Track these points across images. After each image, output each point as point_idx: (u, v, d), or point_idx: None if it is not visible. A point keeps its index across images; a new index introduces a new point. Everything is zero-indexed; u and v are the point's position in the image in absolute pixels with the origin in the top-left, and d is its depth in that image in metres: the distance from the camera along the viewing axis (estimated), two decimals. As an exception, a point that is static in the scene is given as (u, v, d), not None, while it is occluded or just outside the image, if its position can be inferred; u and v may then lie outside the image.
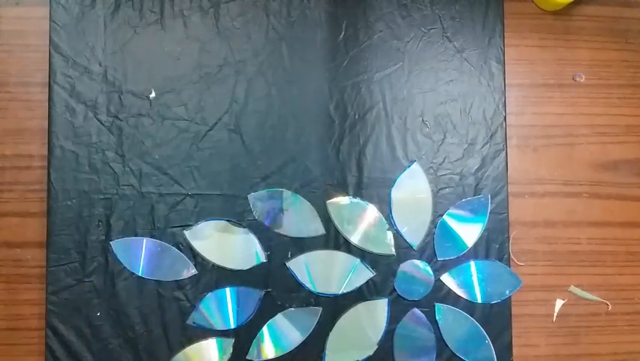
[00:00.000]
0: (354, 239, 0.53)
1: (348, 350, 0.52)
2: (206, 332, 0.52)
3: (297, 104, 0.54)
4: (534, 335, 0.55)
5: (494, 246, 0.54)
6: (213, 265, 0.52)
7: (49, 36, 0.53)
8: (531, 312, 0.55)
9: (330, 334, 0.52)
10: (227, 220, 0.52)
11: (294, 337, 0.52)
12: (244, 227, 0.52)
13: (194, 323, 0.52)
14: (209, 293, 0.52)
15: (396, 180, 0.54)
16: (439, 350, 0.53)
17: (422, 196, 0.54)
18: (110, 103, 0.53)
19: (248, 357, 0.52)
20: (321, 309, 0.53)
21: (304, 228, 0.53)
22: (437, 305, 0.53)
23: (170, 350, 0.51)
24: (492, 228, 0.54)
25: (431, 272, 0.53)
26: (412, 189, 0.54)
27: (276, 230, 0.53)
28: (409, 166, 0.54)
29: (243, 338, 0.52)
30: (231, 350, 0.52)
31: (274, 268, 0.53)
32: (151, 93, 0.53)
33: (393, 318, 0.53)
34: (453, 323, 0.53)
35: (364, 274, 0.53)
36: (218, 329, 0.52)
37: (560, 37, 0.57)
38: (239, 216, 0.53)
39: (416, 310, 0.53)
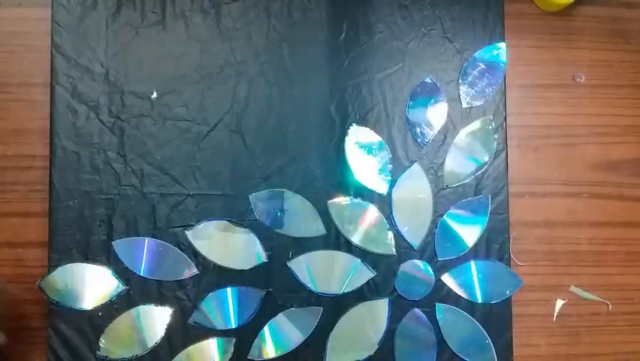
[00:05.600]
0: (355, 239, 0.53)
1: (348, 350, 0.53)
2: (207, 332, 0.52)
3: (298, 104, 0.54)
4: (534, 334, 0.55)
5: (494, 246, 0.54)
6: (214, 264, 0.52)
7: (51, 37, 0.53)
8: (531, 312, 0.55)
9: (331, 334, 0.52)
10: (229, 220, 0.53)
11: (295, 337, 0.52)
12: (245, 227, 0.53)
13: (195, 322, 0.52)
14: (211, 293, 0.52)
15: (396, 180, 0.54)
16: (439, 349, 0.53)
17: (422, 196, 0.54)
18: (111, 103, 0.53)
19: (249, 357, 0.52)
20: (322, 309, 0.53)
21: (305, 228, 0.53)
22: (438, 305, 0.53)
23: (171, 349, 0.51)
24: (492, 228, 0.54)
25: (432, 272, 0.54)
26: (412, 190, 0.54)
27: (277, 230, 0.53)
28: (409, 166, 0.54)
29: (244, 338, 0.52)
30: (232, 350, 0.52)
31: (275, 268, 0.53)
32: (152, 94, 0.53)
33: (394, 318, 0.53)
34: (453, 323, 0.53)
35: (365, 274, 0.53)
36: (219, 328, 0.52)
37: (560, 38, 0.57)
38: (240, 216, 0.53)
39: (417, 310, 0.53)
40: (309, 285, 0.53)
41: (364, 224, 0.54)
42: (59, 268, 0.51)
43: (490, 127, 0.55)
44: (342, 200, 0.54)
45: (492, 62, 0.55)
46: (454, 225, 0.54)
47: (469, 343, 0.53)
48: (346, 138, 0.54)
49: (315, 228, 0.53)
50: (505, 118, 0.55)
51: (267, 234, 0.53)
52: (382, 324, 0.53)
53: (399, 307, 0.53)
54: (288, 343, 0.52)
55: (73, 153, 0.52)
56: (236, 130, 0.53)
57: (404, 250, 0.54)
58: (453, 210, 0.54)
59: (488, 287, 0.54)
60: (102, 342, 0.51)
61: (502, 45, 0.56)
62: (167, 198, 0.52)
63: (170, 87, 0.53)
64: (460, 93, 0.55)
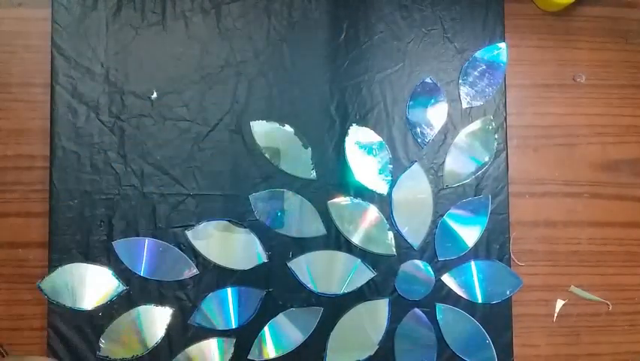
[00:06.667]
0: (355, 239, 0.53)
1: (349, 350, 0.53)
2: (207, 332, 0.52)
3: (298, 104, 0.54)
4: (534, 335, 0.55)
5: (495, 246, 0.54)
6: (215, 265, 0.52)
7: (51, 37, 0.53)
8: (532, 312, 0.55)
9: (331, 334, 0.52)
10: (229, 220, 0.53)
11: (295, 337, 0.52)
12: (245, 227, 0.53)
13: (195, 322, 0.52)
14: (211, 293, 0.52)
15: (397, 180, 0.54)
16: (439, 350, 0.53)
17: (423, 196, 0.54)
18: (111, 104, 0.53)
19: (249, 357, 0.52)
20: (322, 309, 0.53)
21: (305, 228, 0.53)
22: (438, 305, 0.53)
23: (171, 349, 0.51)
24: (492, 228, 0.54)
25: (432, 272, 0.54)
26: (412, 190, 0.54)
27: (277, 230, 0.53)
28: (409, 166, 0.54)
29: (244, 338, 0.52)
30: (232, 350, 0.52)
31: (275, 268, 0.53)
32: (152, 94, 0.53)
33: (394, 318, 0.53)
34: (453, 323, 0.53)
35: (365, 274, 0.53)
36: (219, 328, 0.52)
37: (561, 38, 0.57)
38: (240, 216, 0.53)
39: (417, 310, 0.53)
40: (309, 285, 0.53)
41: (364, 224, 0.54)
42: (59, 269, 0.51)
43: (490, 127, 0.55)
44: (342, 200, 0.54)
45: (492, 62, 0.56)
46: (454, 225, 0.54)
47: (469, 343, 0.53)
48: (346, 138, 0.54)
49: (315, 228, 0.53)
50: (505, 118, 0.55)
51: (267, 234, 0.53)
52: (382, 324, 0.53)
53: (399, 307, 0.53)
54: (288, 343, 0.52)
55: (73, 153, 0.52)
56: (237, 130, 0.53)
57: (404, 250, 0.54)
58: (453, 211, 0.54)
59: (488, 287, 0.54)
60: (102, 342, 0.51)
61: (502, 45, 0.56)
62: (167, 199, 0.52)
63: (170, 87, 0.53)
64: (460, 93, 0.55)
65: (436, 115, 0.55)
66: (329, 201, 0.53)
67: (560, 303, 0.56)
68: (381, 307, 0.53)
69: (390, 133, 0.55)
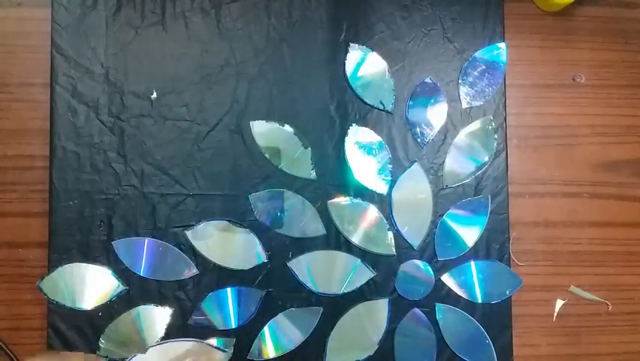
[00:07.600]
0: (355, 239, 0.53)
1: (348, 350, 0.53)
2: (207, 332, 0.52)
3: (298, 104, 0.54)
4: (534, 335, 0.55)
5: (495, 246, 0.54)
6: (214, 265, 0.52)
7: (51, 37, 0.53)
8: (531, 312, 0.55)
9: (331, 334, 0.52)
10: (229, 220, 0.53)
11: (294, 337, 0.52)
12: (245, 227, 0.53)
13: (195, 322, 0.52)
14: (211, 293, 0.52)
15: (396, 180, 0.54)
16: (439, 349, 0.53)
17: (423, 196, 0.54)
18: (111, 104, 0.53)
19: (249, 357, 0.52)
20: (321, 309, 0.53)
21: (305, 228, 0.53)
22: (437, 305, 0.53)
23: (171, 349, 0.52)
24: (492, 228, 0.54)
25: (432, 272, 0.54)
26: (412, 190, 0.54)
27: (277, 230, 0.53)
28: (409, 166, 0.54)
29: (243, 338, 0.52)
30: (232, 350, 0.52)
31: (275, 268, 0.53)
32: (152, 94, 0.53)
33: (394, 318, 0.53)
34: (453, 323, 0.53)
35: (365, 274, 0.53)
36: (219, 328, 0.52)
37: (560, 38, 0.57)
38: (240, 216, 0.53)
39: (416, 310, 0.53)
40: (309, 285, 0.53)
41: (364, 224, 0.54)
42: (59, 269, 0.51)
43: (490, 127, 0.55)
44: (342, 200, 0.54)
45: (492, 62, 0.56)
46: (454, 225, 0.54)
47: (469, 343, 0.53)
48: (346, 138, 0.54)
49: (315, 228, 0.53)
50: (505, 118, 0.55)
51: (267, 234, 0.53)
52: (382, 324, 0.53)
53: (399, 307, 0.53)
54: (288, 343, 0.52)
55: (73, 153, 0.52)
56: (236, 130, 0.53)
57: (404, 250, 0.54)
58: (453, 211, 0.54)
59: (488, 287, 0.54)
60: (102, 342, 0.51)
61: (502, 45, 0.56)
62: (167, 199, 0.52)
63: (170, 87, 0.53)
64: (460, 93, 0.55)
65: (436, 115, 0.55)
66: (329, 201, 0.53)
67: (559, 303, 0.56)
68: (381, 307, 0.53)
69: (390, 133, 0.55)
